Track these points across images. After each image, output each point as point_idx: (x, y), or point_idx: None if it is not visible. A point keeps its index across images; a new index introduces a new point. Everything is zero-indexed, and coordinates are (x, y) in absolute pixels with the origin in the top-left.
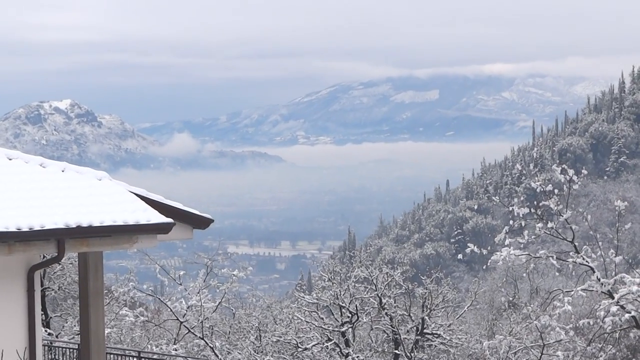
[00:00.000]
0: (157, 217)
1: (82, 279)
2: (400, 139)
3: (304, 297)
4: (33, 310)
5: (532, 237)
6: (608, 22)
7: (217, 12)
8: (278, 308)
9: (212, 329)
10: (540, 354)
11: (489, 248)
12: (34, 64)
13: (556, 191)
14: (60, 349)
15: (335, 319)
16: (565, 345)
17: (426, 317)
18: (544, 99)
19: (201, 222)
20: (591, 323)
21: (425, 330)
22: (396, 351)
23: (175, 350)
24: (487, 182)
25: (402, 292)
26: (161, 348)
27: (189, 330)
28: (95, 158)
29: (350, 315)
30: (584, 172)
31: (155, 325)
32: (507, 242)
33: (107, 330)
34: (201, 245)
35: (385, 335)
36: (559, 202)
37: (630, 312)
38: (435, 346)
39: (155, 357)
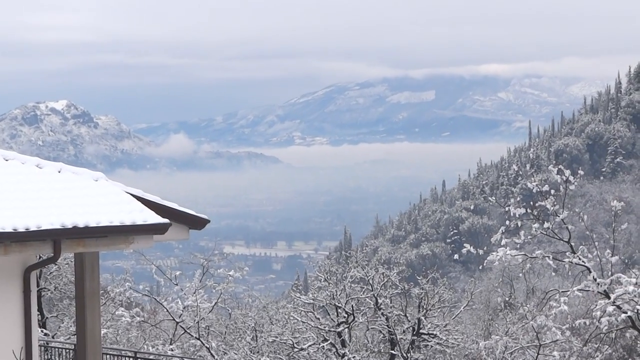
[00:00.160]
0: (154, 218)
1: (78, 279)
2: (396, 139)
3: (300, 298)
4: (29, 311)
5: (529, 237)
6: (604, 22)
7: (213, 12)
8: (274, 308)
9: (208, 329)
10: (536, 354)
11: (485, 248)
12: (30, 65)
13: (552, 191)
14: (56, 349)
15: (332, 319)
16: (561, 345)
17: (422, 318)
18: (540, 100)
19: (197, 223)
20: (587, 323)
21: (421, 331)
22: (392, 351)
23: (172, 350)
24: (484, 182)
25: (398, 293)
26: (157, 348)
27: (185, 331)
28: (92, 159)
29: (346, 315)
30: (580, 172)
31: (152, 326)
32: (503, 242)
33: (103, 331)
34: (197, 246)
35: (382, 335)
36: (555, 203)
37: (626, 312)
38: (432, 346)
39: (151, 357)
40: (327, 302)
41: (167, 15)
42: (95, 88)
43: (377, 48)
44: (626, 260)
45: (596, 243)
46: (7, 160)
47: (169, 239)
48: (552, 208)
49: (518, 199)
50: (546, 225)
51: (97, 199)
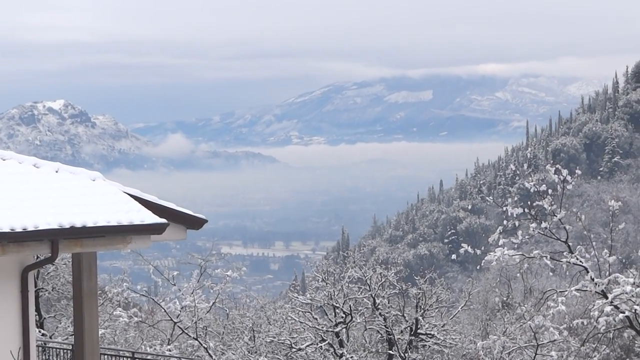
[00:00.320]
0: (151, 218)
1: (76, 279)
2: (393, 139)
3: (297, 298)
4: (27, 311)
5: (526, 237)
6: (602, 22)
7: (210, 13)
8: (272, 308)
9: (206, 329)
10: (534, 354)
11: (482, 248)
12: (27, 65)
13: (550, 191)
14: (54, 349)
15: (329, 319)
16: (559, 345)
17: (420, 318)
18: (537, 99)
19: (195, 223)
20: (585, 323)
21: (419, 331)
22: (390, 351)
23: (169, 350)
24: (481, 182)
25: (396, 293)
26: (155, 348)
27: (183, 331)
28: (89, 158)
29: (344, 315)
30: (578, 172)
31: (149, 326)
32: (500, 242)
33: (101, 331)
34: (195, 246)
35: (379, 335)
36: (552, 202)
37: (624, 312)
38: (429, 346)
39: (149, 357)
40: (325, 302)
41: (165, 15)
42: (92, 88)
43: (374, 48)
44: (624, 260)
45: (594, 243)
46: (4, 160)
47: (166, 239)
48: (549, 208)
49: (515, 198)
50: (544, 225)
51: (94, 198)
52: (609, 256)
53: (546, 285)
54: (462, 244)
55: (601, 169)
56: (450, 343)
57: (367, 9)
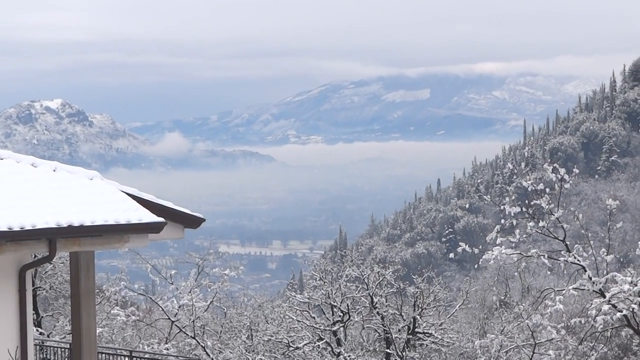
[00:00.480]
0: (149, 217)
1: (74, 278)
2: (391, 138)
3: (295, 297)
4: (24, 310)
5: (524, 236)
6: (599, 21)
7: (207, 12)
8: (269, 307)
9: (204, 328)
10: (531, 353)
11: (480, 247)
12: (24, 64)
13: (547, 190)
14: (51, 348)
15: (327, 318)
16: (556, 344)
17: (417, 316)
18: (535, 98)
19: (192, 222)
20: (582, 322)
21: (416, 329)
22: (388, 350)
23: (167, 349)
24: (478, 181)
25: (394, 291)
26: (153, 347)
27: (181, 330)
28: (87, 157)
29: (341, 314)
30: (575, 171)
31: (147, 325)
32: (498, 241)
33: (98, 330)
34: (192, 245)
35: (377, 334)
36: (550, 201)
37: (621, 311)
38: (427, 345)
39: (146, 356)
40: (323, 301)
41: (162, 14)
42: (90, 87)
43: (372, 47)
44: (621, 259)
45: (591, 242)
46: (2, 159)
47: (164, 238)
48: (547, 207)
49: (513, 197)
50: (541, 224)
51: (92, 197)
52: (606, 255)
53: (544, 284)
54: (460, 243)
55: (599, 167)
56: (448, 342)
57: (364, 8)
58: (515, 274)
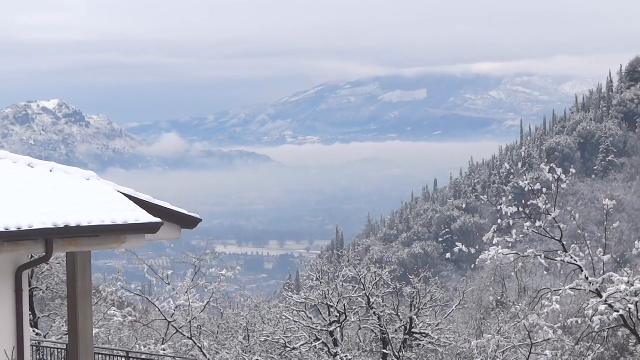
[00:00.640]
0: (145, 217)
1: (70, 279)
2: (388, 138)
3: (292, 297)
4: (21, 311)
5: (520, 236)
6: (596, 21)
7: (204, 12)
8: (266, 308)
9: (201, 328)
10: (528, 353)
11: (477, 247)
12: (21, 64)
13: (544, 190)
14: (48, 349)
15: (324, 318)
16: (553, 344)
17: (414, 317)
18: (532, 98)
19: (189, 222)
20: (579, 322)
21: (413, 330)
22: (384, 350)
23: (164, 350)
24: (475, 181)
25: (390, 292)
26: (149, 348)
27: (177, 330)
28: (83, 158)
29: (338, 314)
30: (572, 171)
31: (144, 325)
32: (495, 241)
33: (95, 331)
34: (189, 245)
35: (374, 334)
36: (547, 201)
37: (618, 311)
38: (424, 345)
39: (143, 357)
40: (319, 301)
41: (159, 14)
42: (86, 87)
43: (368, 47)
44: (618, 259)
45: (588, 242)
46: None
47: (160, 239)
48: (544, 207)
49: (510, 197)
50: (538, 224)
51: (89, 198)
52: (603, 255)
53: (540, 284)
54: (457, 243)
55: (595, 167)
56: (445, 342)
57: (361, 8)
58: (512, 274)
